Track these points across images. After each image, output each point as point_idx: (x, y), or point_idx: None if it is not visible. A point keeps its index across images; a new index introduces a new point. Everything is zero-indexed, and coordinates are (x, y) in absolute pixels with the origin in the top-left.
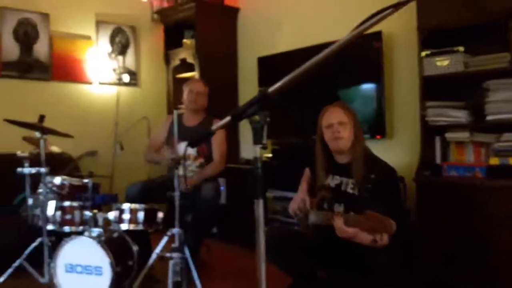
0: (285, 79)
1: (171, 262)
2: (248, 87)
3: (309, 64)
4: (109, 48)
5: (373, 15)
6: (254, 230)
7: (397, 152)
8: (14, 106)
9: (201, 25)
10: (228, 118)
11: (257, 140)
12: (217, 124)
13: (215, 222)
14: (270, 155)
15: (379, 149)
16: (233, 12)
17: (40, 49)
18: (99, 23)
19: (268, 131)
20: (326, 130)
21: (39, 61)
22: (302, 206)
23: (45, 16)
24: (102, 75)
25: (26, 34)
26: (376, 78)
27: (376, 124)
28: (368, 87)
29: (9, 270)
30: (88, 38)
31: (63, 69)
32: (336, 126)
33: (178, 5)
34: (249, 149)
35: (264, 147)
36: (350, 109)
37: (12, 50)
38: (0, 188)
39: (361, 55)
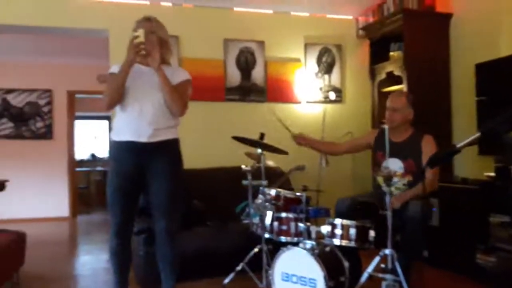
0: None
1: (384, 284)
2: (463, 97)
3: None
4: (316, 68)
5: None
6: (471, 255)
7: None
8: (237, 126)
9: (409, 36)
10: (477, 135)
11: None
12: (463, 142)
13: (423, 244)
14: (492, 174)
15: None
16: (446, 18)
17: (257, 74)
18: (307, 45)
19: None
20: None
21: (256, 85)
22: None
23: (261, 44)
24: (309, 94)
25: (246, 62)
26: None
27: None
28: None
29: (233, 274)
30: (297, 60)
31: (276, 91)
32: None
33: (384, 18)
34: (464, 166)
35: None
36: None
37: (234, 77)
38: (227, 197)
39: None
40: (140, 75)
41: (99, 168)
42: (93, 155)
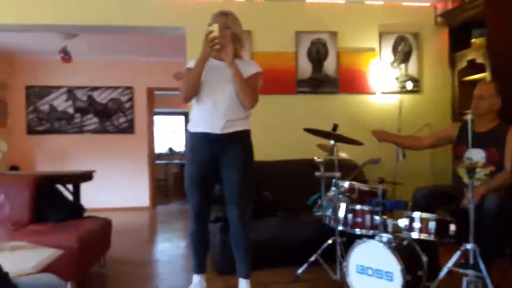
0: None
1: (465, 280)
2: None
3: None
4: (391, 57)
5: None
6: None
7: None
8: (308, 118)
9: (493, 21)
10: None
11: None
12: None
13: (504, 240)
14: None
15: None
16: None
17: (329, 65)
18: (382, 34)
19: None
20: None
21: (328, 76)
22: None
23: (334, 34)
24: (384, 85)
25: (317, 53)
26: None
27: None
28: None
29: (306, 264)
30: (371, 50)
31: (348, 82)
32: None
33: (465, 4)
34: None
35: None
36: None
37: (305, 69)
38: (297, 190)
39: None
40: (214, 69)
41: (176, 161)
42: (170, 149)
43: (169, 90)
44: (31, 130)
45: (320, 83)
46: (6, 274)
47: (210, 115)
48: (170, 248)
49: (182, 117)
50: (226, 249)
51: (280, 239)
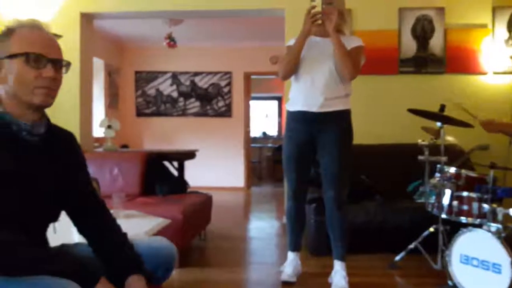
0: None
1: None
2: None
3: None
4: (506, 34)
5: None
6: None
7: None
8: (411, 100)
9: None
10: None
11: None
12: None
13: None
14: None
15: None
16: None
17: (435, 43)
18: (496, 9)
19: None
20: None
21: (434, 55)
22: None
23: (441, 10)
24: (497, 64)
25: (423, 30)
26: None
27: None
28: None
29: (404, 252)
30: (483, 26)
31: (456, 61)
32: None
33: None
34: None
35: None
36: None
37: (409, 47)
38: (397, 175)
39: None
40: (314, 46)
41: (269, 145)
42: (264, 133)
43: (265, 74)
44: (139, 113)
45: (425, 62)
46: (125, 234)
47: (308, 93)
48: (265, 227)
49: (276, 102)
50: (320, 230)
51: (378, 224)
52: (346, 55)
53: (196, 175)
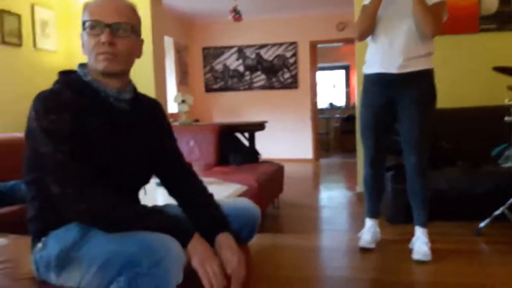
0: None
1: None
2: None
3: None
4: None
5: None
6: None
7: None
8: (493, 60)
9: None
10: None
11: None
12: None
13: None
14: None
15: None
16: None
17: None
18: None
19: None
20: None
21: None
22: None
23: None
24: None
25: None
26: None
27: None
28: None
29: (489, 218)
30: None
31: None
32: None
33: None
34: None
35: None
36: None
37: (491, 2)
38: (479, 139)
39: None
40: (391, 3)
41: (337, 116)
42: (331, 104)
43: (331, 42)
44: (208, 88)
45: (509, 18)
46: (212, 194)
47: (386, 53)
48: (336, 196)
49: (343, 71)
50: (397, 198)
51: (460, 190)
52: (427, 11)
53: (265, 147)
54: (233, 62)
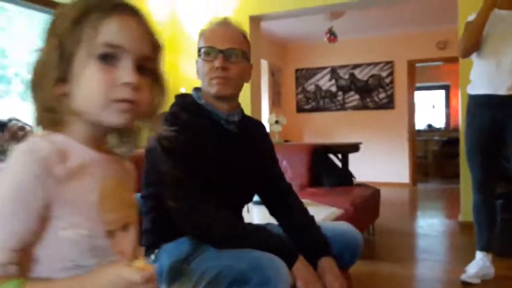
0: None
1: None
2: None
3: None
4: None
5: None
6: None
7: None
8: None
9: None
10: None
11: None
12: None
13: None
14: None
15: None
16: None
17: None
18: None
19: None
20: None
21: None
22: None
23: None
24: None
25: None
26: None
27: None
28: None
29: None
30: None
31: None
32: None
33: None
34: None
35: None
36: None
37: None
38: None
39: None
40: (499, 20)
41: (436, 138)
42: (429, 125)
43: (431, 61)
44: (299, 109)
45: None
46: (312, 216)
47: (493, 74)
48: (436, 224)
49: (443, 92)
50: (507, 229)
51: None
52: None
53: (358, 169)
54: (325, 83)
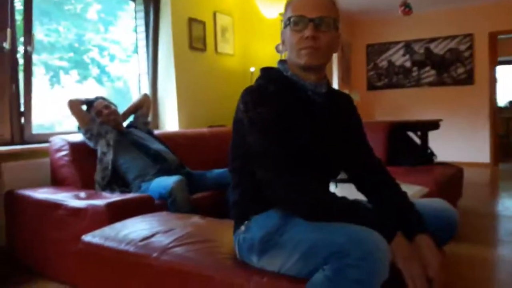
0: None
1: None
2: None
3: None
4: None
5: None
6: None
7: None
8: None
9: None
10: None
11: None
12: None
13: None
14: None
15: None
16: None
17: None
18: None
19: None
20: None
21: None
22: None
23: None
24: None
25: None
26: None
27: None
28: None
29: None
30: None
31: None
32: None
33: None
34: None
35: None
36: None
37: None
38: None
39: None
40: None
41: None
42: (511, 102)
43: None
44: (370, 86)
45: None
46: (405, 192)
47: None
48: None
49: None
50: None
51: None
52: None
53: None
54: (399, 58)
